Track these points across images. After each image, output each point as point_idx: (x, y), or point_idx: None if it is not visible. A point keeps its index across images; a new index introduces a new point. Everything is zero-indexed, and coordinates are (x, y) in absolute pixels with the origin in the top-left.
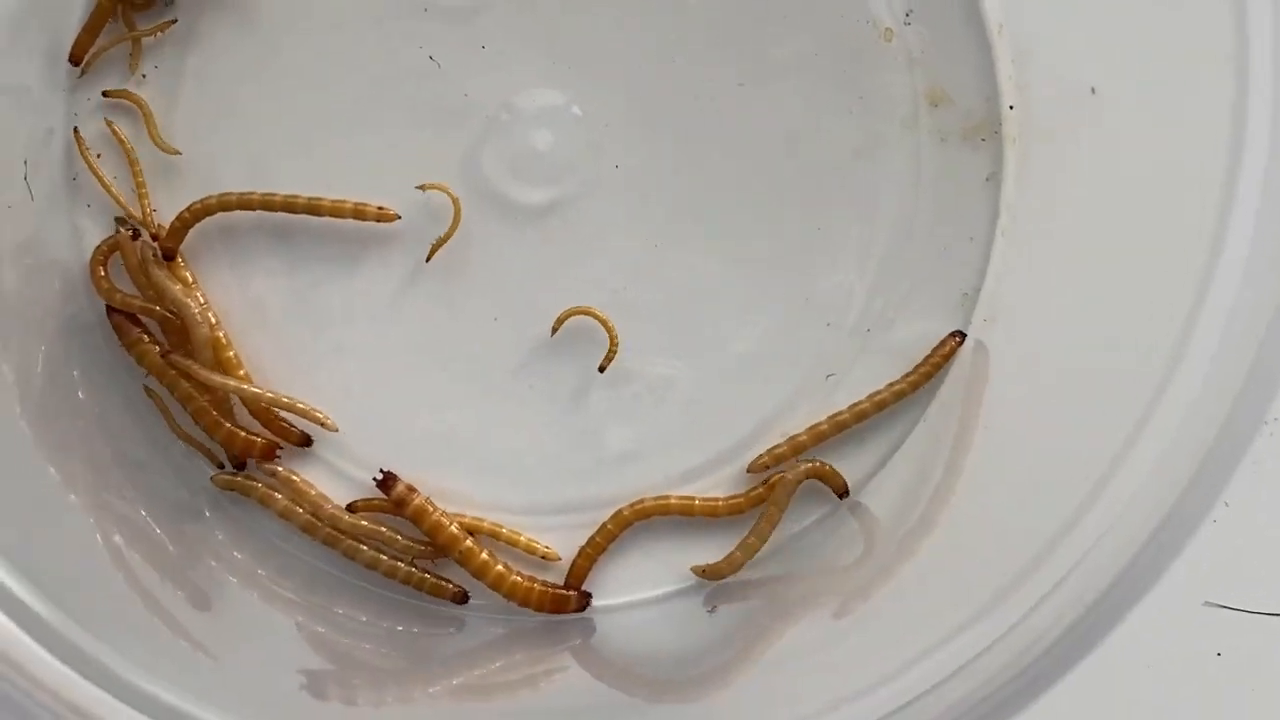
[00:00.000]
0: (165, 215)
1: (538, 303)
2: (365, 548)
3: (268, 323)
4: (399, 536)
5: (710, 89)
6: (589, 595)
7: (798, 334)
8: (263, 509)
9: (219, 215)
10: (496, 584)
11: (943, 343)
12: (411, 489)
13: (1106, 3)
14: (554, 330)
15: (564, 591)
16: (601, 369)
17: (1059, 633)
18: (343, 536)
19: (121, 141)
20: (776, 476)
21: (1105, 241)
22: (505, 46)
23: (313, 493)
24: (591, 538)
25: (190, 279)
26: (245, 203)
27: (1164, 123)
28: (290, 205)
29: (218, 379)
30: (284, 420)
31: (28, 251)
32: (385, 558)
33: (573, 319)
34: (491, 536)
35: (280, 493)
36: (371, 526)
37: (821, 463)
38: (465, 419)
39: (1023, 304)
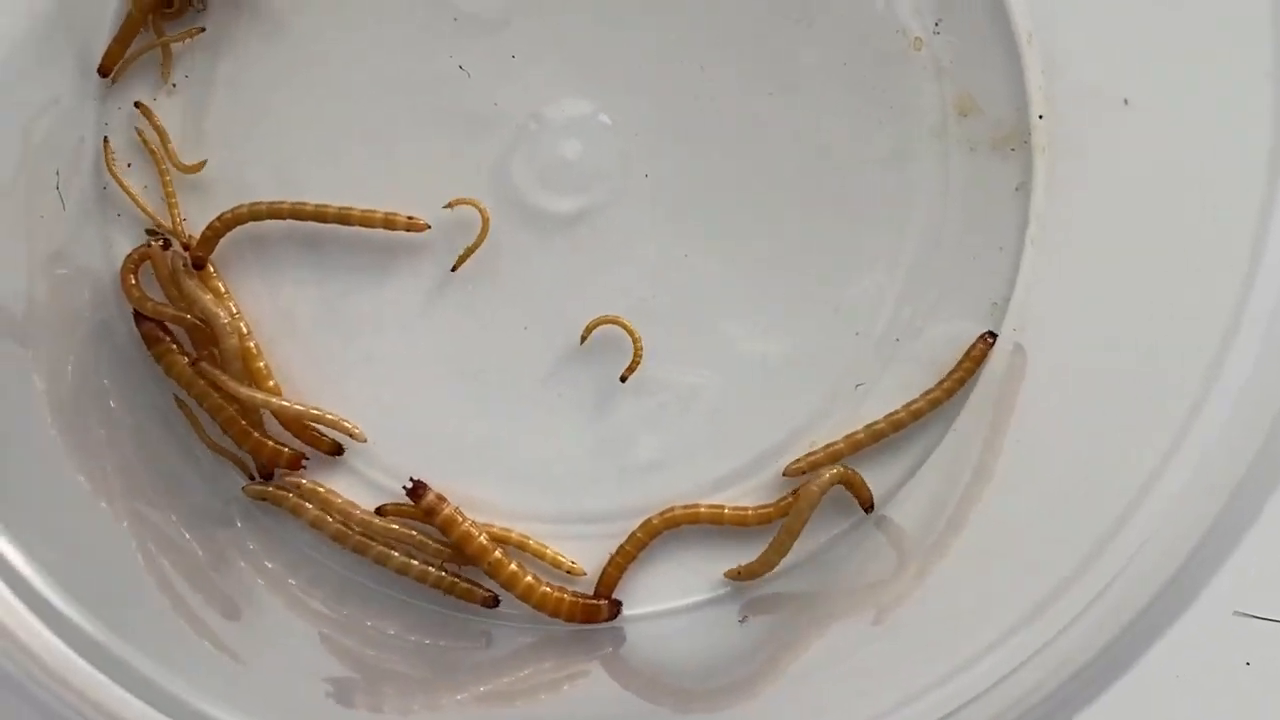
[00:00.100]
0: (195, 224)
1: (567, 312)
2: (396, 554)
3: (297, 332)
4: (429, 541)
5: (740, 98)
6: (619, 604)
7: (826, 343)
8: (294, 519)
9: (249, 224)
10: (526, 595)
11: (974, 345)
12: (441, 498)
13: (1137, 13)
14: (583, 339)
15: (595, 601)
16: (623, 379)
17: (1092, 654)
18: (373, 543)
19: (151, 151)
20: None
21: (1136, 250)
22: (535, 56)
23: (339, 500)
24: (621, 546)
25: (222, 289)
26: (276, 212)
27: (1196, 133)
28: (321, 215)
29: (245, 391)
30: (315, 429)
31: (59, 261)
32: (416, 563)
33: (601, 327)
34: (519, 548)
35: (309, 501)
36: (402, 530)
37: (853, 471)
38: (494, 428)
39: (1052, 313)
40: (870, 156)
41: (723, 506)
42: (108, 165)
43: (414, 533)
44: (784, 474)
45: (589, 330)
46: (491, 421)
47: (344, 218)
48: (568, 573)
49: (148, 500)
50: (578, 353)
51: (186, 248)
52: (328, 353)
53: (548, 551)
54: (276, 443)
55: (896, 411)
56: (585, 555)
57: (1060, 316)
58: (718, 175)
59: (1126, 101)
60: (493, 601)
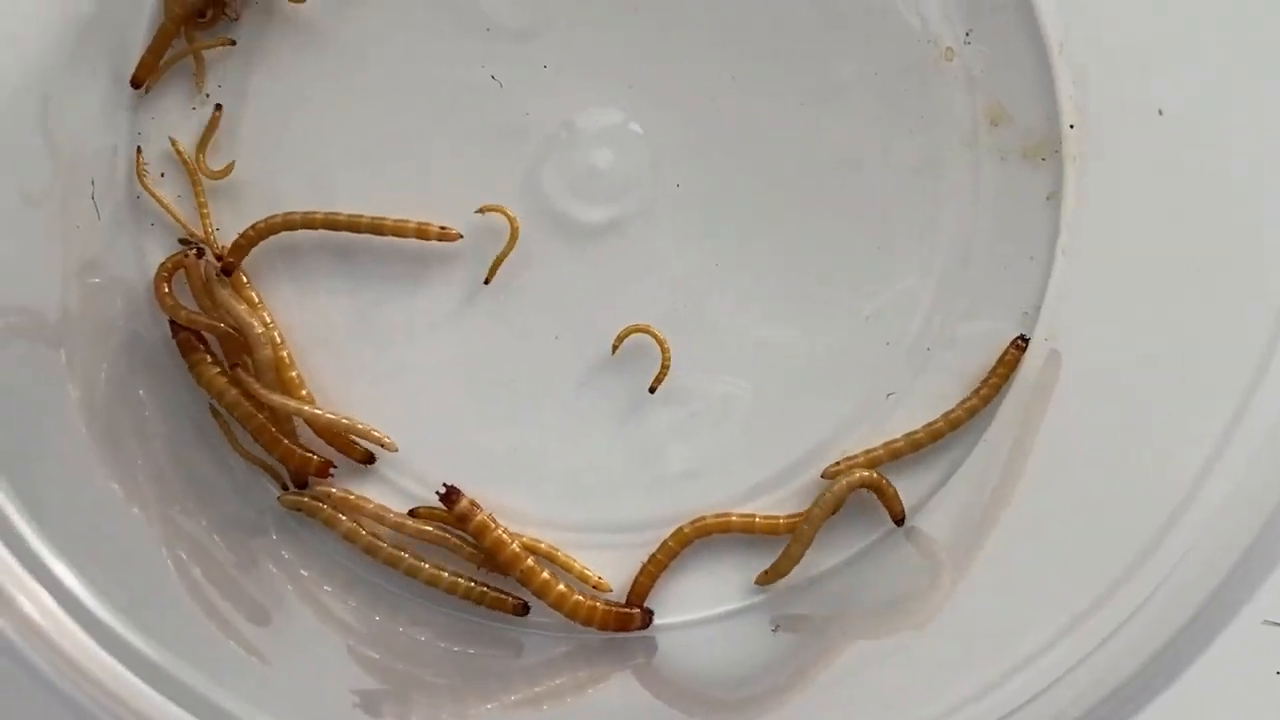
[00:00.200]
0: (228, 234)
1: (598, 321)
2: (426, 565)
3: (330, 341)
4: (462, 544)
5: (771, 108)
6: (651, 612)
7: (857, 352)
8: (326, 529)
9: (282, 234)
10: (558, 603)
11: (1006, 351)
12: (474, 504)
13: (1168, 22)
14: (614, 348)
15: (628, 609)
16: (652, 389)
17: (1131, 669)
18: (404, 556)
19: (184, 161)
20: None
21: (1168, 259)
22: (566, 66)
23: (370, 505)
24: (653, 555)
25: (255, 298)
26: (308, 222)
27: (1227, 141)
28: (353, 225)
29: (278, 399)
30: (348, 437)
31: (93, 270)
32: (446, 575)
33: (632, 337)
34: (547, 559)
35: (342, 511)
36: (435, 532)
37: (888, 481)
38: (526, 437)
39: (1083, 323)
40: (901, 166)
41: (754, 515)
42: (139, 175)
43: (448, 535)
44: (822, 475)
45: (620, 339)
46: (522, 430)
47: (376, 228)
48: (594, 587)
49: (181, 508)
50: (609, 362)
51: (219, 257)
52: (360, 362)
53: (575, 564)
54: (304, 450)
55: (936, 421)
56: (615, 564)
57: (1092, 326)
58: (748, 185)
59: (1161, 112)
60: (523, 609)
